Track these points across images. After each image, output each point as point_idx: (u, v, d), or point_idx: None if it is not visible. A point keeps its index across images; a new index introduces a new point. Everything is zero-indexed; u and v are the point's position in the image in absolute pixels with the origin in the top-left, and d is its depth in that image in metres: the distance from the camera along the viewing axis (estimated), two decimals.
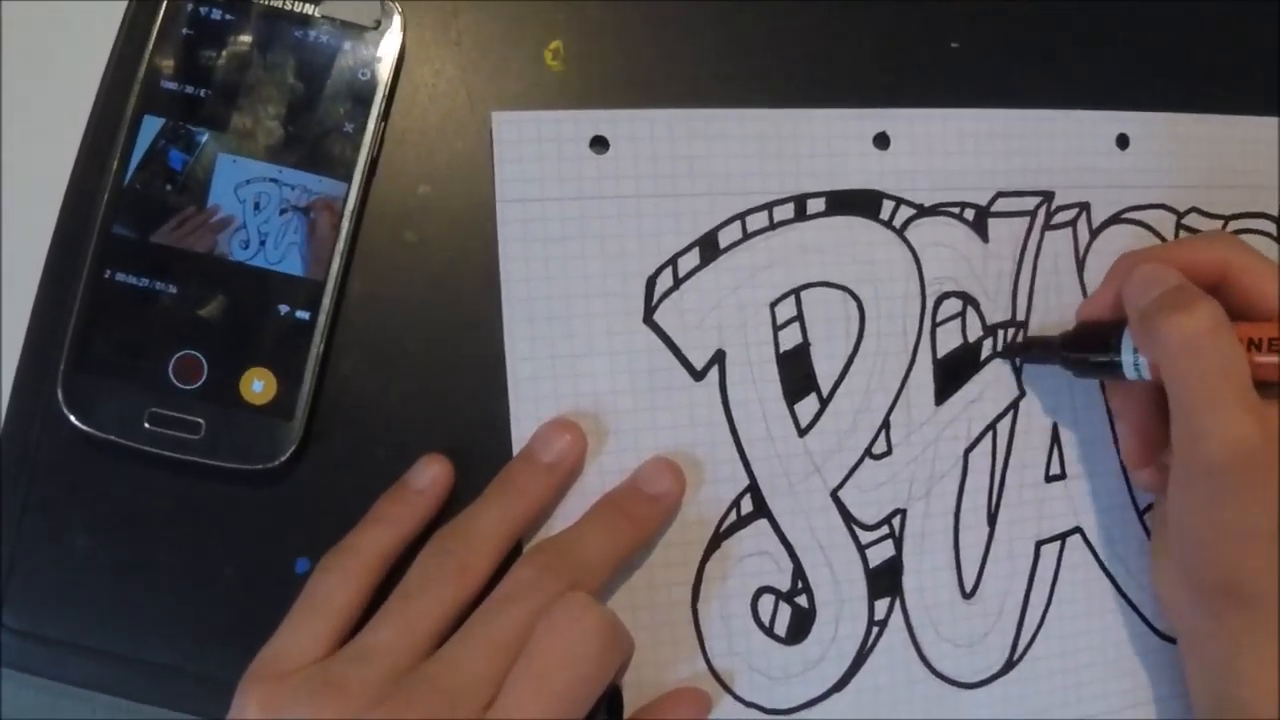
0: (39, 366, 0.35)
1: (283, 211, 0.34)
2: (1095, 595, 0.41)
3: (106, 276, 0.34)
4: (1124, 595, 0.42)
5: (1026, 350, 0.40)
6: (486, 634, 0.32)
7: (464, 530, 0.34)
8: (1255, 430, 0.33)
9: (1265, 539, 0.34)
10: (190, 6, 0.35)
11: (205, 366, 0.34)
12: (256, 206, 0.34)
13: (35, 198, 0.35)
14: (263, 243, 0.34)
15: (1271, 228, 0.44)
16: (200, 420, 0.34)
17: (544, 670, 0.31)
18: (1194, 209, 0.43)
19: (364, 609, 0.33)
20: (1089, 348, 0.38)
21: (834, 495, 0.39)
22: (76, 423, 0.34)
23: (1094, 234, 0.42)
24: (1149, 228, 0.43)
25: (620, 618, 0.35)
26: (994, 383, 0.41)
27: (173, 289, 0.34)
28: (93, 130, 0.35)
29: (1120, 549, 0.42)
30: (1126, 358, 0.36)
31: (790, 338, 0.39)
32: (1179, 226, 0.43)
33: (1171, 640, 0.42)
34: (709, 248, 0.38)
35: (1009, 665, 0.40)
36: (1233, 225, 0.44)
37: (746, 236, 0.38)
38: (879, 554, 0.39)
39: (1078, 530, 0.41)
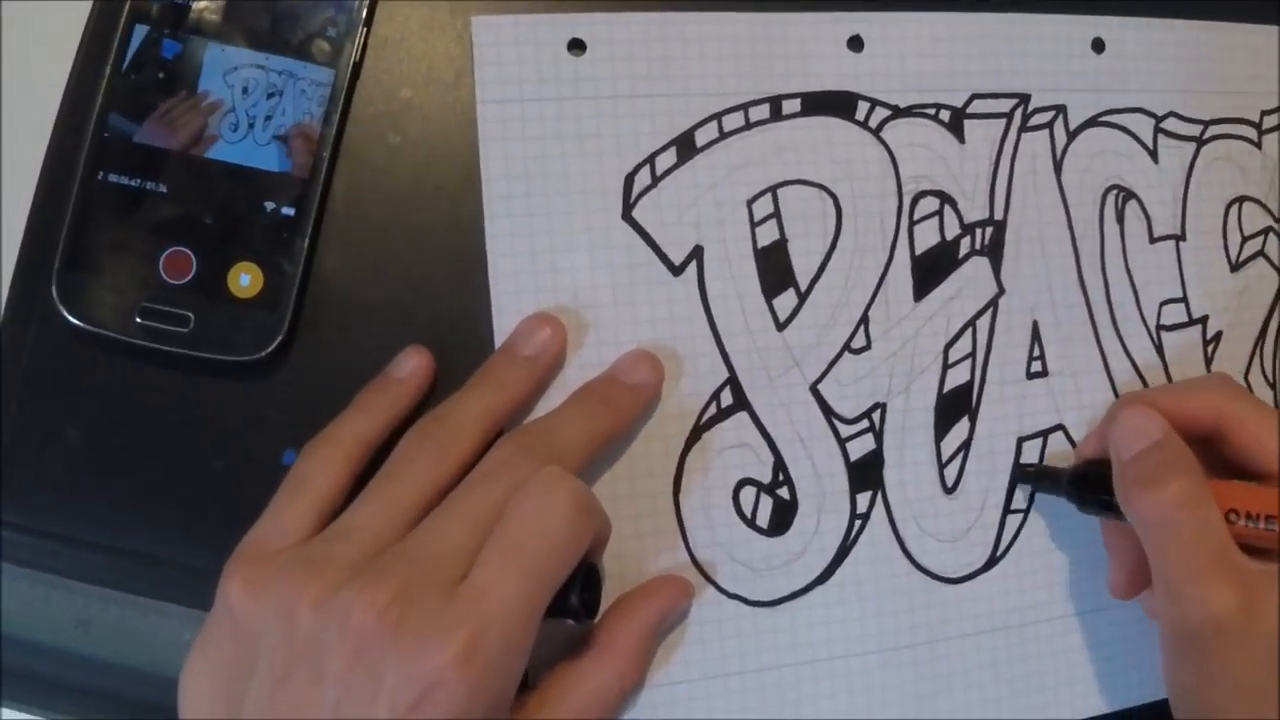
0: (35, 265, 0.36)
1: (270, 95, 0.35)
2: None
3: (99, 177, 0.35)
4: None
5: (1037, 480, 0.41)
6: (462, 508, 0.33)
7: (445, 416, 0.35)
8: (1232, 598, 0.33)
9: (1242, 693, 0.34)
10: None
11: (194, 262, 0.36)
12: (245, 91, 0.35)
13: (35, 106, 0.37)
14: (251, 125, 0.35)
15: (1250, 132, 0.45)
16: (189, 314, 0.35)
17: (516, 539, 0.31)
18: (1172, 113, 0.44)
19: (346, 494, 0.34)
20: (1092, 488, 0.38)
21: (813, 388, 0.39)
22: (70, 318, 0.35)
23: (1071, 136, 0.42)
24: (1127, 130, 0.43)
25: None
26: (972, 280, 0.41)
27: (162, 188, 0.36)
28: (87, 41, 0.36)
29: None
30: None
31: (767, 234, 0.39)
32: (1157, 130, 0.43)
33: None
34: (686, 146, 0.39)
35: (992, 561, 0.41)
36: (1211, 130, 0.44)
37: (723, 136, 0.39)
38: (859, 447, 0.40)
39: (1060, 427, 0.42)
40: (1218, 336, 0.44)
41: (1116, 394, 0.42)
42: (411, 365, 0.36)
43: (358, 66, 0.37)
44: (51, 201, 0.36)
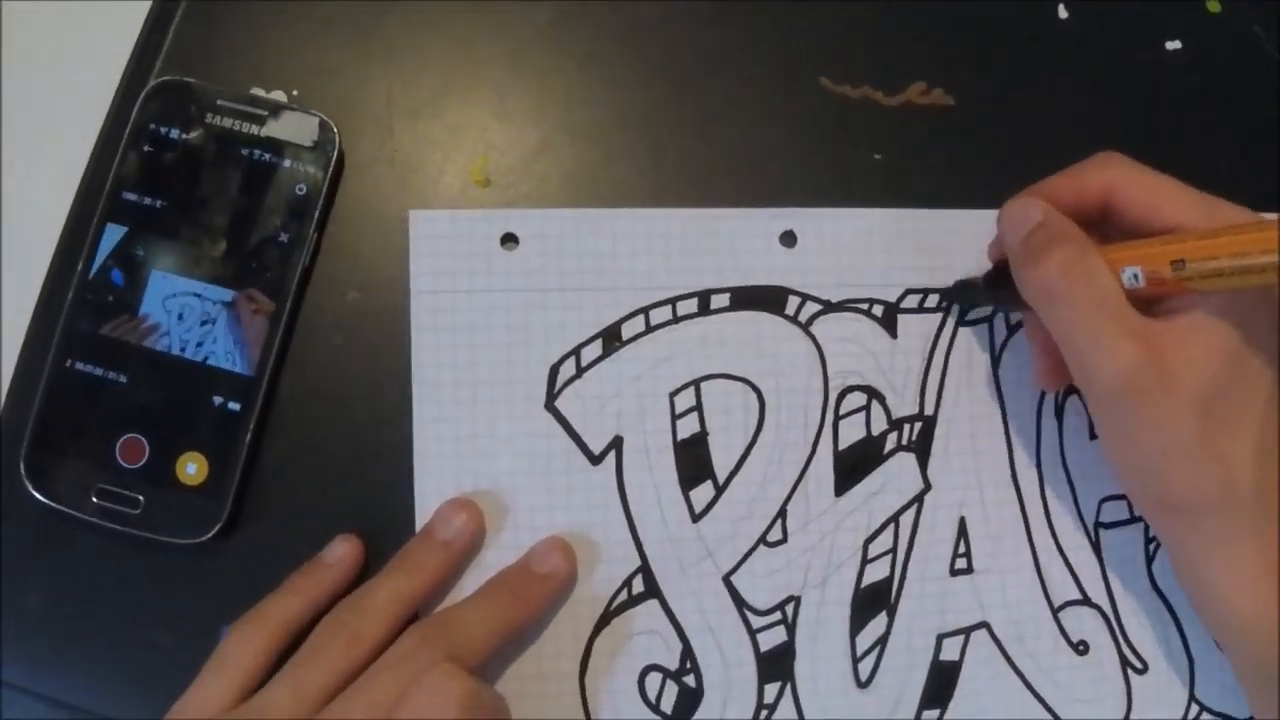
0: (10, 442, 0.39)
1: (203, 323, 0.39)
2: (1002, 691, 0.41)
3: (68, 365, 0.39)
4: (1034, 691, 0.42)
5: (959, 293, 0.42)
6: (363, 697, 0.35)
7: (359, 603, 0.37)
8: (1136, 351, 0.34)
9: (1180, 453, 0.35)
10: (152, 126, 0.40)
11: (147, 448, 0.39)
12: (180, 317, 0.39)
13: (22, 291, 0.41)
14: (183, 349, 0.39)
15: None
16: (140, 497, 0.38)
17: None
18: None
19: (267, 670, 0.37)
20: (1003, 285, 0.38)
21: (726, 580, 0.40)
22: (35, 494, 0.38)
23: (1011, 330, 0.42)
24: None
25: (508, 690, 0.38)
26: (898, 476, 0.41)
27: (123, 379, 0.39)
28: (66, 236, 0.40)
29: (1031, 645, 0.42)
30: None
31: (688, 427, 0.41)
32: None
33: None
34: (611, 339, 0.40)
35: None
36: None
37: (649, 329, 0.41)
38: (770, 639, 0.40)
39: (984, 625, 0.42)
40: None
41: (1046, 591, 0.42)
42: (340, 552, 0.39)
43: (308, 270, 0.40)
44: (28, 384, 0.39)
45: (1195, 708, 0.43)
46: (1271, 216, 0.36)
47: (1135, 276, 0.35)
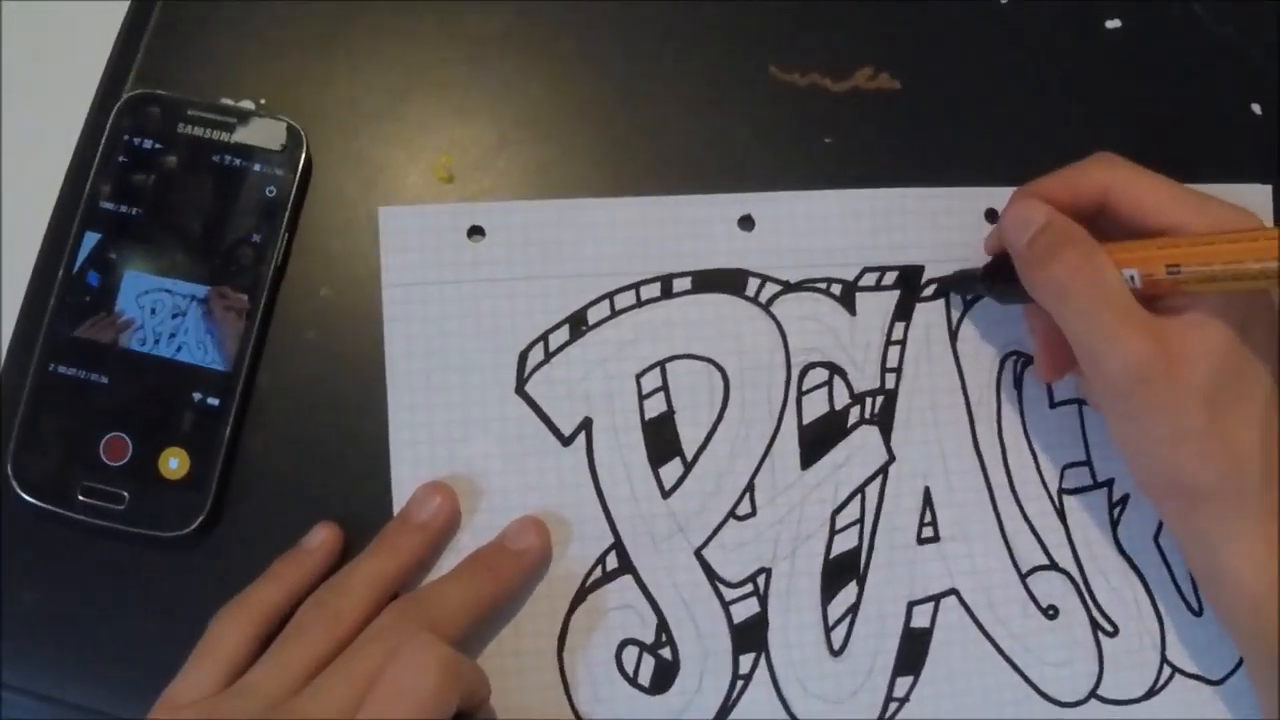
0: None
1: (174, 315, 0.40)
2: (973, 657, 0.42)
3: (51, 368, 0.40)
4: (1005, 656, 0.42)
5: (956, 285, 0.43)
6: (345, 671, 0.36)
7: (340, 584, 0.38)
8: (1146, 346, 0.35)
9: (1189, 439, 0.36)
10: (126, 137, 0.41)
11: (130, 446, 0.40)
12: (153, 311, 0.40)
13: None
14: (157, 341, 0.40)
15: None
16: (124, 493, 0.39)
17: (386, 700, 0.34)
18: None
19: (253, 655, 0.38)
20: (1004, 278, 0.40)
21: (698, 554, 0.41)
22: (22, 494, 0.39)
23: (967, 305, 0.43)
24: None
25: (488, 667, 0.39)
26: (862, 448, 0.42)
27: (104, 379, 0.40)
28: (46, 245, 0.41)
29: (1001, 611, 0.43)
30: None
31: (655, 406, 0.42)
32: None
33: (1057, 703, 0.42)
34: (578, 324, 0.42)
35: None
36: None
37: (614, 314, 0.42)
38: (743, 610, 0.41)
39: (953, 592, 0.42)
40: (1125, 499, 0.44)
41: (1013, 557, 0.43)
42: (320, 538, 0.40)
43: (280, 269, 0.41)
44: (11, 388, 0.40)
45: (1168, 669, 0.44)
46: (1260, 217, 0.37)
47: (1132, 278, 0.36)
